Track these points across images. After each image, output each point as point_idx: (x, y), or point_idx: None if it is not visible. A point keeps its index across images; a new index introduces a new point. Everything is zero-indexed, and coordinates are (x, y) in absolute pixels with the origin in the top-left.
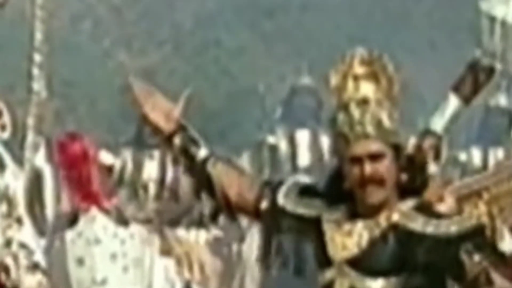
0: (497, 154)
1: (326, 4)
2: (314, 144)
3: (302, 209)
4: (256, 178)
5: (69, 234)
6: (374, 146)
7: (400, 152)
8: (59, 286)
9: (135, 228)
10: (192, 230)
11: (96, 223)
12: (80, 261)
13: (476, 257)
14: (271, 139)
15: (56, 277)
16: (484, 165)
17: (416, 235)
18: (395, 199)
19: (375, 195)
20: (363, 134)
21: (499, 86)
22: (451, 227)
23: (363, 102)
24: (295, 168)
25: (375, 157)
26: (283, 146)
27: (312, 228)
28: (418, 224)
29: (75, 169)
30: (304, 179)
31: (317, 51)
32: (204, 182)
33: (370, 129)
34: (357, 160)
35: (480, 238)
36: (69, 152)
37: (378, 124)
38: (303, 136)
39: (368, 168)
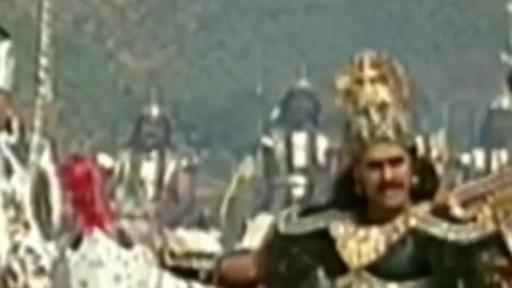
0: (500, 156)
1: (330, 6)
2: (311, 146)
3: (309, 226)
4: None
5: (73, 257)
6: (394, 150)
7: (416, 156)
8: None
9: (139, 249)
10: (193, 231)
11: (99, 245)
12: (84, 284)
13: (496, 277)
14: (268, 141)
15: None
16: (487, 167)
17: (436, 240)
18: (408, 202)
19: (393, 198)
20: (383, 138)
21: (502, 89)
22: (472, 234)
23: (382, 106)
24: (290, 169)
25: (394, 161)
26: (280, 147)
27: (321, 241)
28: (440, 229)
29: (78, 191)
30: (299, 180)
31: (321, 52)
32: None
33: (390, 133)
34: (377, 165)
35: (498, 245)
36: (73, 174)
37: (398, 128)
38: (300, 138)
39: (389, 172)
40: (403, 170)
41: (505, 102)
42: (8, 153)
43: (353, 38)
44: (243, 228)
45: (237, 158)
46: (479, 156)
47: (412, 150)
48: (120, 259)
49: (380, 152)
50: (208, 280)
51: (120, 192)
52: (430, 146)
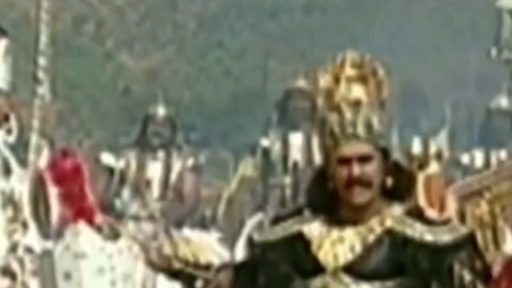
0: (499, 156)
1: (329, 6)
2: (307, 146)
3: (283, 231)
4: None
5: (58, 248)
6: (364, 148)
7: (388, 156)
8: None
9: (124, 243)
10: (195, 231)
11: (83, 237)
12: (68, 276)
13: (467, 277)
14: (264, 142)
15: None
16: (487, 167)
17: (412, 241)
18: (383, 203)
19: (361, 195)
20: (354, 135)
21: (501, 88)
22: (447, 236)
23: (355, 104)
24: (286, 170)
25: (363, 159)
26: (277, 148)
27: (296, 244)
28: (415, 231)
29: (66, 185)
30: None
31: (320, 52)
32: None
33: (361, 130)
34: (346, 161)
35: (473, 247)
36: (60, 168)
37: (369, 126)
38: (296, 139)
39: (356, 169)
40: (372, 168)
41: (504, 102)
42: (7, 153)
43: (353, 38)
44: (242, 227)
45: (237, 158)
46: (478, 156)
47: (385, 151)
48: (103, 251)
49: (349, 149)
50: None
51: (126, 193)
52: (428, 143)
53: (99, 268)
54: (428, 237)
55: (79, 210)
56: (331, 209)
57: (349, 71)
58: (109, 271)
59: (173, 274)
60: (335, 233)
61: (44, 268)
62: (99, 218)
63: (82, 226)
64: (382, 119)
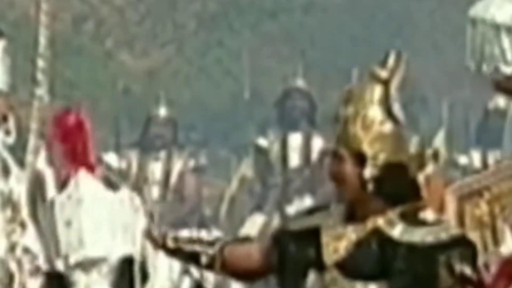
0: (497, 156)
1: (329, 5)
2: (306, 146)
3: (305, 224)
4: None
5: (59, 198)
6: (335, 146)
7: (363, 162)
8: (49, 249)
9: (126, 194)
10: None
11: (84, 185)
12: (68, 223)
13: (447, 280)
14: (263, 142)
15: (46, 241)
16: (484, 167)
17: (393, 242)
18: (383, 206)
19: (340, 193)
20: (334, 131)
21: None
22: (428, 236)
23: (348, 101)
24: (285, 170)
25: (336, 156)
26: (275, 148)
27: (315, 237)
28: (396, 231)
29: (69, 142)
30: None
31: (320, 52)
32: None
33: (338, 129)
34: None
35: (460, 249)
36: (64, 124)
37: (344, 127)
38: (295, 139)
39: (330, 164)
40: (343, 168)
41: (501, 102)
42: (5, 154)
43: (352, 38)
44: (242, 226)
45: (236, 158)
46: (476, 156)
47: (361, 156)
48: (105, 200)
49: (332, 142)
50: (210, 265)
51: None
52: (425, 143)
53: (100, 216)
54: (406, 237)
55: (81, 163)
56: (348, 207)
57: (379, 70)
58: (110, 220)
59: (171, 252)
60: (339, 230)
61: (45, 218)
62: (99, 172)
63: (83, 174)
64: (366, 123)
